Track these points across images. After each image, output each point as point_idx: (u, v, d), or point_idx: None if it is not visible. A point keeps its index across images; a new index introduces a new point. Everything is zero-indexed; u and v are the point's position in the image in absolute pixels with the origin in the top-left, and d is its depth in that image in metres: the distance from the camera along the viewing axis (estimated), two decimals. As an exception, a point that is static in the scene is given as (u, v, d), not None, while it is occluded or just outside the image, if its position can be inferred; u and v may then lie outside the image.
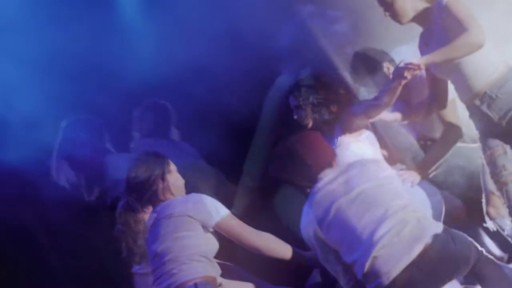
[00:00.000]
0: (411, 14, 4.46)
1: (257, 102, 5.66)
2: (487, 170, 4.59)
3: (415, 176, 4.65)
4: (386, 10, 4.50)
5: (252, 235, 4.10)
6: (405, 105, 4.80)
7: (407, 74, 4.20)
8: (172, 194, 4.23)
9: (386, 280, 3.60)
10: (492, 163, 4.46)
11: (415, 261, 3.59)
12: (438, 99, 4.67)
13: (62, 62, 5.95)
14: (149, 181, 4.17)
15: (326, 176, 3.96)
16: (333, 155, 4.12)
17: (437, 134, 4.93)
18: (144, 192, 4.19)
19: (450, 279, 3.65)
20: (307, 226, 3.94)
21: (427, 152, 4.91)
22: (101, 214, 5.23)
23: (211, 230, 4.06)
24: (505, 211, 4.50)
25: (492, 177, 4.49)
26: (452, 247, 3.66)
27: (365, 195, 3.80)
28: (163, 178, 4.21)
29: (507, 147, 4.43)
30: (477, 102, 4.44)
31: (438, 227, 3.72)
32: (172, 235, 4.01)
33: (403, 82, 4.28)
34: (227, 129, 5.85)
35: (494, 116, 4.42)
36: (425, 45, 4.51)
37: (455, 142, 4.80)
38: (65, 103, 5.78)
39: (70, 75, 5.94)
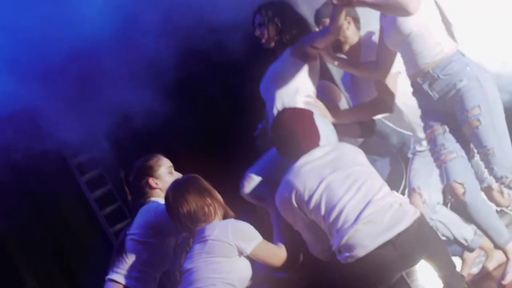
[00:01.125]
0: None
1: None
2: (416, 166, 4.87)
3: (327, 114, 4.79)
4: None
5: (275, 258, 4.20)
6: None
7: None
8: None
9: (361, 253, 3.81)
10: (432, 140, 4.61)
11: (392, 240, 3.80)
12: (381, 67, 4.79)
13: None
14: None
15: (312, 152, 4.18)
16: (319, 136, 4.28)
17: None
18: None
19: (419, 261, 3.94)
20: (286, 195, 4.12)
21: (351, 108, 5.10)
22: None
23: (245, 255, 4.13)
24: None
25: (432, 154, 4.64)
26: (427, 231, 3.95)
27: (354, 177, 4.03)
28: None
29: (446, 126, 4.58)
30: (420, 80, 4.58)
31: (416, 212, 3.96)
32: (204, 257, 4.08)
33: (342, 8, 4.49)
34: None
35: (434, 95, 4.57)
36: (384, 16, 4.65)
37: (380, 113, 4.95)
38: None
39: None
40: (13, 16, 6.61)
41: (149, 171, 4.71)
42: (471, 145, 4.60)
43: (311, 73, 4.80)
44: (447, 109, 4.57)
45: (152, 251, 4.57)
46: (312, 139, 4.23)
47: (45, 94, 6.75)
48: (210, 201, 4.19)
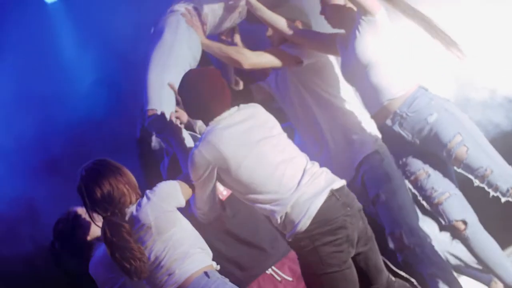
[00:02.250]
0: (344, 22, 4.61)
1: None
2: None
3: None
4: (322, 11, 4.67)
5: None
6: None
7: None
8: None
9: (313, 211, 3.93)
10: (419, 187, 4.54)
11: (332, 192, 3.99)
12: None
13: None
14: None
15: (230, 116, 4.14)
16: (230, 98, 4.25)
17: None
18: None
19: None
20: (207, 156, 4.03)
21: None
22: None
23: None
24: None
25: (423, 200, 4.56)
26: (352, 194, 4.11)
27: (282, 147, 4.10)
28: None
29: (428, 168, 4.49)
30: (389, 122, 4.48)
31: (341, 180, 4.09)
32: (159, 239, 3.98)
33: None
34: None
35: (407, 135, 4.49)
36: (345, 49, 4.63)
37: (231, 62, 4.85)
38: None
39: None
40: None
41: None
42: None
43: None
44: (424, 148, 4.49)
45: None
46: (223, 101, 4.16)
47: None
48: (123, 180, 4.06)
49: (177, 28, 4.84)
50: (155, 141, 5.07)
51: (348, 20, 4.54)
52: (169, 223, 3.98)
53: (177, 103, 4.68)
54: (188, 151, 4.23)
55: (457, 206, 4.48)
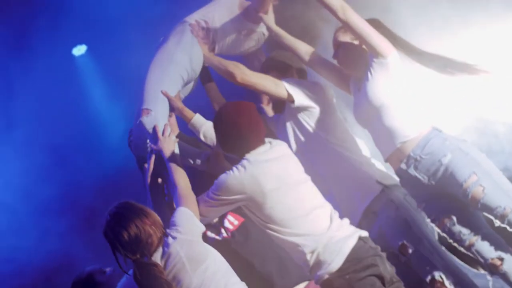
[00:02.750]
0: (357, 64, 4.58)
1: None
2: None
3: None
4: (335, 55, 4.64)
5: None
6: None
7: None
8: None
9: (346, 251, 3.98)
10: (447, 232, 4.44)
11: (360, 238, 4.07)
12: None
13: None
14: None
15: (263, 152, 4.11)
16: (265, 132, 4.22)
17: None
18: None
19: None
20: (240, 186, 4.00)
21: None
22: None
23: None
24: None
25: (454, 242, 4.44)
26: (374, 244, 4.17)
27: (313, 192, 4.16)
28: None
29: (451, 211, 4.40)
30: (403, 165, 4.42)
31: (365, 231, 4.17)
32: (196, 274, 3.88)
33: None
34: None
35: (423, 177, 4.39)
36: (358, 91, 4.59)
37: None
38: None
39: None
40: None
41: None
42: None
43: None
44: (442, 190, 4.40)
45: None
46: (259, 135, 4.14)
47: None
48: (148, 220, 3.93)
49: (181, 37, 4.91)
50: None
51: (361, 63, 4.51)
52: (201, 255, 3.90)
53: (172, 109, 4.74)
54: (178, 161, 4.22)
55: (489, 244, 4.36)
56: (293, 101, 4.69)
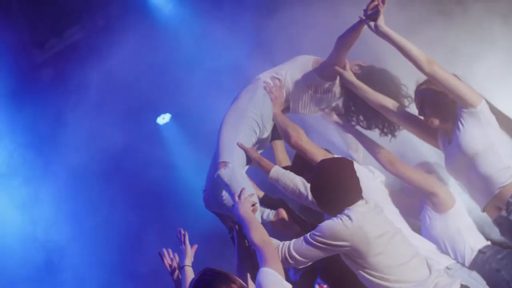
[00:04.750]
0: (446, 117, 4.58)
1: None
2: None
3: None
4: (421, 112, 4.66)
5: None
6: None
7: None
8: None
9: None
10: None
11: None
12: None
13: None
14: None
15: (362, 205, 4.11)
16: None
17: None
18: None
19: None
20: (355, 237, 4.01)
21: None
22: None
23: None
24: None
25: None
26: None
27: (408, 241, 4.14)
28: None
29: None
30: (504, 213, 4.37)
31: None
32: None
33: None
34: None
35: None
36: (448, 143, 4.59)
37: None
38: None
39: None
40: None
41: None
42: None
43: None
44: None
45: None
46: (358, 190, 4.13)
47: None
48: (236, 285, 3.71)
49: (254, 93, 4.96)
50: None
51: (449, 115, 4.53)
52: None
53: (249, 161, 4.79)
54: (255, 221, 4.16)
55: None
56: None
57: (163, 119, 7.44)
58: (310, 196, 4.43)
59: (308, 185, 4.43)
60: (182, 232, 4.60)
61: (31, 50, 7.02)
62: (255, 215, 4.24)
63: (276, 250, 4.05)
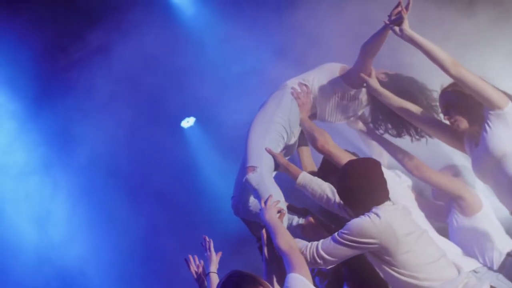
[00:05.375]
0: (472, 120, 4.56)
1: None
2: None
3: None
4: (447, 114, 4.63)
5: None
6: None
7: None
8: None
9: None
10: None
11: None
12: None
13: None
14: None
15: (389, 205, 4.12)
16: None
17: None
18: None
19: None
20: (383, 234, 4.00)
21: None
22: None
23: None
24: None
25: None
26: None
27: (430, 236, 4.15)
28: None
29: None
30: None
31: None
32: None
33: None
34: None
35: None
36: (475, 146, 4.56)
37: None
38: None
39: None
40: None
41: None
42: None
43: None
44: None
45: None
46: (386, 190, 4.14)
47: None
48: None
49: (281, 99, 4.98)
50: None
51: (475, 118, 4.50)
52: None
53: (276, 167, 4.79)
54: (281, 227, 4.18)
55: None
56: None
57: (188, 122, 7.47)
58: (337, 201, 4.43)
59: (335, 190, 4.43)
60: (207, 239, 4.63)
61: (56, 54, 7.05)
62: (282, 222, 4.25)
63: (302, 255, 4.05)
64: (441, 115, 4.73)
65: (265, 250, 4.22)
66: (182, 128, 7.50)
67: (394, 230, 3.97)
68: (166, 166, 7.23)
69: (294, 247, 4.02)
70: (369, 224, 3.98)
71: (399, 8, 4.41)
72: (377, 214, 4.00)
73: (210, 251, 4.61)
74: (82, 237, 7.17)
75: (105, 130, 7.02)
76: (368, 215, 4.02)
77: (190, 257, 4.70)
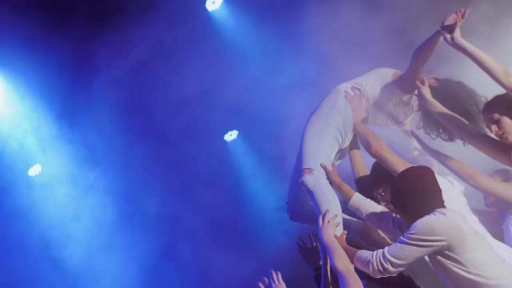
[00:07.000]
0: None
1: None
2: None
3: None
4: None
5: None
6: None
7: None
8: None
9: None
10: None
11: None
12: None
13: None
14: None
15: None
16: None
17: None
18: None
19: None
20: (451, 232, 3.94)
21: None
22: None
23: None
24: None
25: None
26: None
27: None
28: None
29: None
30: None
31: None
32: None
33: None
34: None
35: None
36: None
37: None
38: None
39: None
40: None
41: None
42: None
43: None
44: None
45: None
46: (441, 195, 4.08)
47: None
48: None
49: (335, 101, 4.97)
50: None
51: None
52: None
53: (330, 183, 4.75)
54: (338, 246, 4.19)
55: None
56: None
57: (231, 136, 7.48)
58: (391, 221, 4.41)
59: (390, 212, 4.43)
60: (274, 273, 4.59)
61: (99, 70, 7.13)
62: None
63: (369, 264, 4.04)
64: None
65: (323, 268, 4.31)
66: (225, 142, 7.51)
67: (460, 227, 3.92)
68: (209, 179, 7.24)
69: (351, 270, 4.05)
70: (436, 221, 3.92)
71: (455, 15, 4.38)
72: (442, 213, 3.96)
73: (279, 282, 4.56)
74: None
75: (146, 143, 7.09)
76: (433, 214, 3.97)
77: (260, 284, 4.64)
